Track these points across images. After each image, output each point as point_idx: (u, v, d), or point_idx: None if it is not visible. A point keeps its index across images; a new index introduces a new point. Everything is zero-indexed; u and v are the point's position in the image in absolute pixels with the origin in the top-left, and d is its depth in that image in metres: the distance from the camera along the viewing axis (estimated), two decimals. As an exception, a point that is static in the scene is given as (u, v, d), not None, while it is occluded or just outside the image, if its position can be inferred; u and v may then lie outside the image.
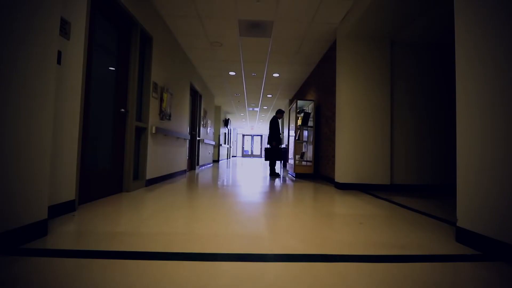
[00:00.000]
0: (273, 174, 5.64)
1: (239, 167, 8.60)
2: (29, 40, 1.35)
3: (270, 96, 9.29)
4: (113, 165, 2.85)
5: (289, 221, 1.98)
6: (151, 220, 1.90)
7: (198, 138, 6.92)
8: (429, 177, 4.03)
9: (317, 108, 5.83)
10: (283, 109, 5.71)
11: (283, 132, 9.98)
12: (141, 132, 3.43)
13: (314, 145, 5.73)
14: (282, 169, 8.14)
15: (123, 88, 3.01)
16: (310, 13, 3.74)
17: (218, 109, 11.47)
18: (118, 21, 2.88)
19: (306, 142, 6.24)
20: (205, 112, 7.86)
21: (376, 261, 1.28)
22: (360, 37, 3.89)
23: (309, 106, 6.25)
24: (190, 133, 6.52)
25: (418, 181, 4.00)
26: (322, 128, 5.41)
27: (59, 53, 1.88)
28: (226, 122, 13.32)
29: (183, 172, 5.38)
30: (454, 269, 1.23)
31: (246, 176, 5.63)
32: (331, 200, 2.92)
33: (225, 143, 13.92)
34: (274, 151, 5.73)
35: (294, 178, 5.40)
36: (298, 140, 6.03)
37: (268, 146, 5.84)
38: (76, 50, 2.07)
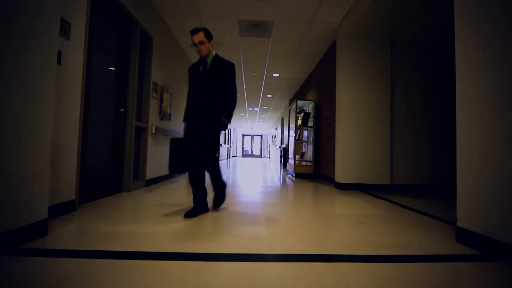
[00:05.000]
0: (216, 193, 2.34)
1: (239, 167, 8.60)
2: (29, 40, 1.35)
3: (270, 96, 9.29)
4: (113, 165, 2.85)
5: (289, 221, 1.98)
6: (151, 220, 1.90)
7: (198, 138, 6.90)
8: (429, 177, 4.03)
9: (317, 108, 5.83)
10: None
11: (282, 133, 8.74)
12: (141, 132, 3.43)
13: (314, 145, 5.72)
14: (282, 170, 8.08)
15: (123, 88, 3.01)
16: (310, 13, 3.74)
17: (218, 109, 11.43)
18: (118, 21, 2.88)
19: (306, 142, 6.24)
20: (205, 112, 7.84)
21: (376, 261, 1.28)
22: (360, 37, 3.89)
23: (309, 106, 6.25)
24: (190, 133, 6.50)
25: (418, 181, 4.00)
26: (322, 128, 5.41)
27: (59, 53, 1.88)
28: (226, 122, 13.26)
29: (183, 172, 5.38)
30: (454, 269, 1.23)
31: (246, 176, 5.63)
32: (331, 200, 2.92)
33: (225, 143, 13.91)
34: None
35: (294, 178, 5.40)
36: (298, 140, 6.03)
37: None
38: (76, 50, 2.07)
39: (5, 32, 1.23)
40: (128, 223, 1.81)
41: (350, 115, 3.88)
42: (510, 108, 1.34)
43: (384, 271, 1.17)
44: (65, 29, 1.93)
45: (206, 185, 2.20)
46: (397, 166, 3.98)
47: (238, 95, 9.17)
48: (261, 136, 24.15)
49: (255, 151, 24.29)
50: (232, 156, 20.20)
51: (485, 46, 1.48)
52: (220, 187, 2.32)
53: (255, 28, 4.23)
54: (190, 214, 2.05)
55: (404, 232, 1.77)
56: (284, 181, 4.81)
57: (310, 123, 5.91)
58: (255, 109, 12.08)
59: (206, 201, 2.21)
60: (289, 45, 4.89)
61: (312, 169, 5.59)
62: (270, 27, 4.18)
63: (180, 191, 3.19)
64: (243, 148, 23.83)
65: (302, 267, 1.19)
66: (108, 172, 2.76)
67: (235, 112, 12.99)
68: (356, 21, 3.44)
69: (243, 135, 23.91)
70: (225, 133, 14.10)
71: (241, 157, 21.55)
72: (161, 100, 3.93)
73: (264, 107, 11.70)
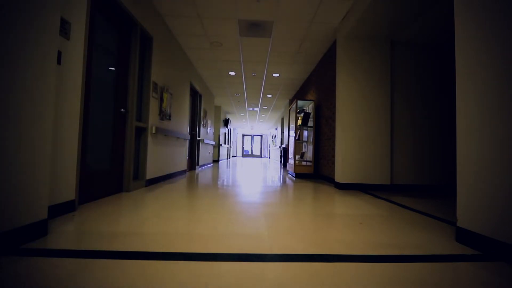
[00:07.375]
0: None
1: (239, 167, 8.60)
2: (29, 40, 1.35)
3: (270, 96, 9.29)
4: (113, 165, 2.85)
5: (289, 221, 1.98)
6: (151, 220, 1.90)
7: (198, 138, 6.92)
8: (429, 177, 4.03)
9: (317, 108, 5.83)
10: None
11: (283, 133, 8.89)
12: (141, 132, 3.43)
13: (314, 145, 5.73)
14: (282, 170, 8.09)
15: (123, 88, 3.01)
16: (310, 13, 3.74)
17: (218, 109, 11.47)
18: (118, 21, 2.88)
19: (306, 142, 6.24)
20: (205, 112, 7.86)
21: (376, 261, 1.28)
22: (360, 37, 3.89)
23: (309, 106, 6.25)
24: (190, 133, 6.51)
25: (418, 181, 4.00)
26: (322, 128, 5.41)
27: (59, 53, 1.88)
28: (226, 122, 13.31)
29: (183, 172, 5.38)
30: (454, 269, 1.23)
31: (246, 176, 5.63)
32: (331, 200, 2.92)
33: (225, 143, 13.91)
34: None
35: (294, 178, 5.41)
36: (298, 140, 6.03)
37: None
38: (76, 50, 2.07)
39: (5, 32, 1.23)
40: (128, 223, 1.81)
41: (350, 115, 3.88)
42: (510, 108, 1.34)
43: (384, 271, 1.17)
44: (65, 29, 1.93)
45: None
46: (397, 166, 3.98)
47: (239, 95, 9.15)
48: (261, 136, 24.15)
49: (255, 151, 24.29)
50: (232, 156, 20.20)
51: (485, 46, 1.48)
52: None
53: (255, 28, 4.23)
54: None
55: (404, 232, 1.77)
56: (284, 181, 4.81)
57: (310, 123, 5.91)
58: (255, 109, 12.08)
59: None
60: (289, 45, 4.89)
61: (312, 169, 5.59)
62: (270, 27, 4.18)
63: (180, 191, 3.19)
64: (243, 148, 23.84)
65: (302, 267, 1.19)
66: (108, 172, 2.76)
67: (235, 112, 13.01)
68: (356, 21, 3.44)
69: (243, 135, 23.92)
70: (225, 133, 14.09)
71: (241, 157, 21.54)
72: (161, 100, 3.93)
73: (264, 107, 11.70)
